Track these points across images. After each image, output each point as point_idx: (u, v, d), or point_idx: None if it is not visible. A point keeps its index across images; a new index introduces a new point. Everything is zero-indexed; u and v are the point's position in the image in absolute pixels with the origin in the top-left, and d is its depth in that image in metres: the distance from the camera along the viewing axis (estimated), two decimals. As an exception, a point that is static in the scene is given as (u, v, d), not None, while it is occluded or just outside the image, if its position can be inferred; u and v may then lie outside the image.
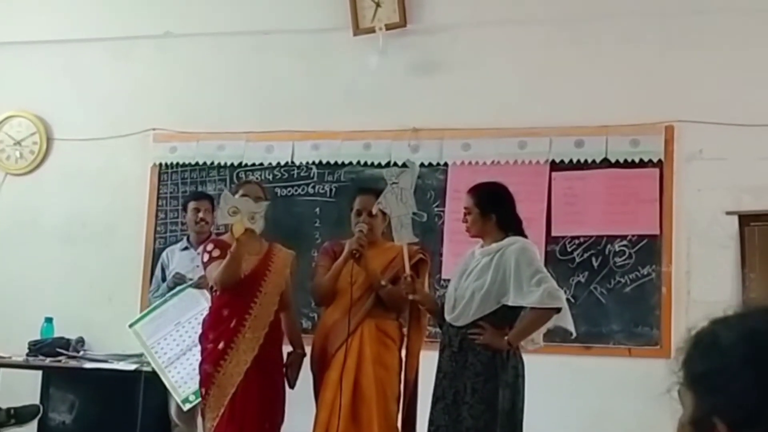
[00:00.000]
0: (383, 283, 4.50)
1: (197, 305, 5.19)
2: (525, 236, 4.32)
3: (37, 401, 5.46)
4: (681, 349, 1.25)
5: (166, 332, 5.24)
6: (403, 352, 4.56)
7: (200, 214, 5.53)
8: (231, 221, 4.36)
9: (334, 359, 4.46)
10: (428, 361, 4.43)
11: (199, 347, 4.69)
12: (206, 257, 4.57)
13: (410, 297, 4.39)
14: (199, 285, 5.19)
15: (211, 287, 4.61)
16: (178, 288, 5.37)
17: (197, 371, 4.68)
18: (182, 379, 5.08)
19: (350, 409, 4.37)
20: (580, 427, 5.35)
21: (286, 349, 4.70)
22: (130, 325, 5.32)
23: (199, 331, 4.70)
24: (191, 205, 5.64)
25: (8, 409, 5.28)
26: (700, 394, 1.20)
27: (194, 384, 4.94)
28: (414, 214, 4.51)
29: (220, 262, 4.43)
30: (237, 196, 4.56)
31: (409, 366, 4.53)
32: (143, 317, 5.38)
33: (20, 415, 5.26)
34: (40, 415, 5.35)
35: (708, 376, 1.19)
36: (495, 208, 4.30)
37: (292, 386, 4.62)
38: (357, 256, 4.47)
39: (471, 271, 4.29)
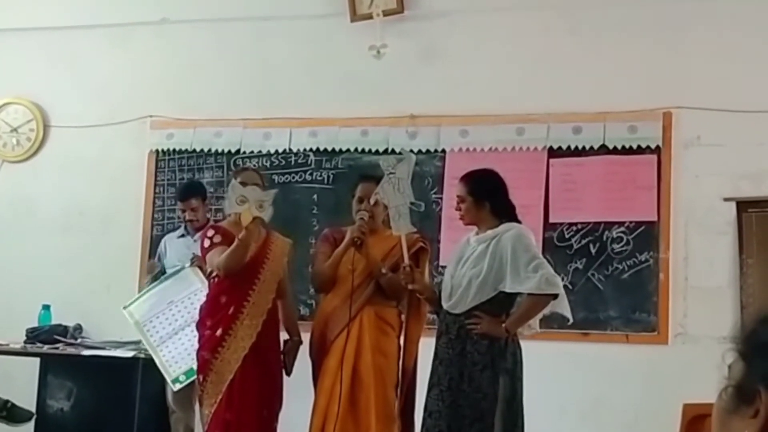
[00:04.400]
0: (383, 270, 4.49)
1: (191, 285, 5.21)
2: (519, 222, 4.30)
3: (35, 388, 5.46)
4: (746, 323, 1.34)
5: (159, 311, 5.24)
6: (402, 340, 4.56)
7: (186, 215, 5.57)
8: (239, 210, 4.34)
9: (333, 346, 4.46)
10: (427, 349, 4.43)
11: (191, 328, 4.70)
12: (207, 243, 4.54)
13: (409, 287, 4.39)
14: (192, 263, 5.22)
15: (210, 273, 4.60)
16: (173, 270, 5.38)
17: (189, 351, 4.66)
18: (173, 359, 5.08)
19: (349, 396, 4.37)
20: (578, 414, 5.37)
21: (283, 336, 4.70)
22: (125, 308, 5.31)
23: (193, 311, 4.69)
24: (178, 205, 5.70)
25: (6, 401, 5.28)
26: (752, 363, 1.28)
27: (185, 364, 4.97)
28: (411, 203, 4.49)
29: (222, 249, 4.42)
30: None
31: (407, 353, 4.52)
32: (138, 299, 5.39)
33: (13, 413, 5.25)
34: (31, 421, 5.34)
35: (765, 348, 1.27)
36: (488, 195, 4.28)
37: (288, 373, 4.63)
38: (358, 243, 4.46)
39: (467, 258, 4.27)
